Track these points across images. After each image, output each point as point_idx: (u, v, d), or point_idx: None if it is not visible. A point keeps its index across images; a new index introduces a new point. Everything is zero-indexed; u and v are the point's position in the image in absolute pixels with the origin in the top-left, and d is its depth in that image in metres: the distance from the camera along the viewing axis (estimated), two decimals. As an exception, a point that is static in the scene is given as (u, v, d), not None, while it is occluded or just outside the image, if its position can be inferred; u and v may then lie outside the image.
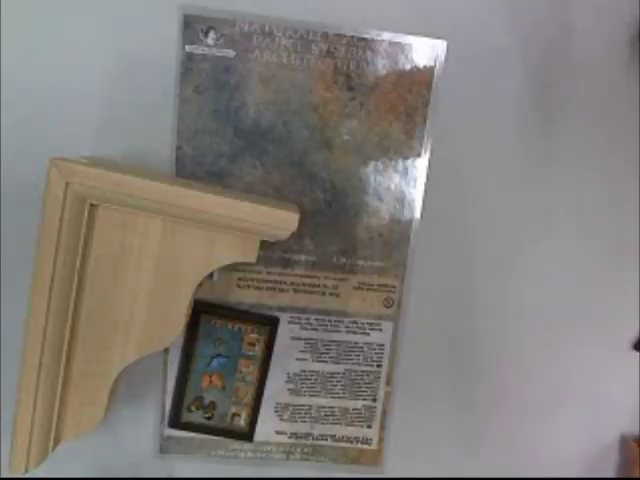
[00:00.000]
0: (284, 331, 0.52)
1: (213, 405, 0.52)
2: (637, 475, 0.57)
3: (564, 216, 0.52)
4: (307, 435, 0.54)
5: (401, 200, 0.50)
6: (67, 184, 0.39)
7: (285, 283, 0.51)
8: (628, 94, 0.50)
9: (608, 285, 0.54)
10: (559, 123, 0.50)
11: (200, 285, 0.48)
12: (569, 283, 0.54)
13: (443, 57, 0.48)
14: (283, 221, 0.41)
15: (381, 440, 0.54)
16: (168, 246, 0.42)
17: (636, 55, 0.49)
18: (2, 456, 0.44)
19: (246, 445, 0.54)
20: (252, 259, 0.43)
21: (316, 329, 0.52)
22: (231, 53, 0.47)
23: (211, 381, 0.52)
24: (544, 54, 0.49)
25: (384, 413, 0.54)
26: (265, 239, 0.43)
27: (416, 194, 0.50)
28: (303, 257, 0.51)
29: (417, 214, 0.51)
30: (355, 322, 0.52)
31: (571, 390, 0.56)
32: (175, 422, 0.53)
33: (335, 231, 0.50)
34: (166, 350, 0.51)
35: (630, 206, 0.53)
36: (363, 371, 0.53)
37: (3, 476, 0.47)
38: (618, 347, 0.55)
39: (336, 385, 0.53)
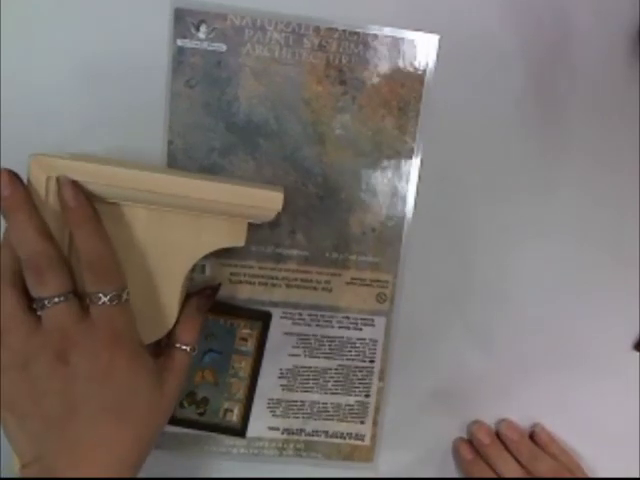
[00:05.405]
0: (276, 326, 0.51)
1: (206, 401, 0.52)
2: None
3: (563, 214, 0.52)
4: (300, 431, 0.54)
5: (394, 195, 0.50)
6: (48, 178, 0.39)
7: (277, 278, 0.51)
8: (628, 94, 0.50)
9: (608, 285, 0.53)
10: (557, 120, 0.50)
11: (192, 281, 0.48)
12: (568, 282, 0.53)
13: (436, 51, 0.48)
14: (268, 200, 0.41)
15: (374, 436, 0.54)
16: (154, 235, 0.42)
17: (636, 55, 0.49)
18: (2, 456, 0.44)
19: (239, 441, 0.53)
20: (241, 243, 0.43)
21: (309, 324, 0.52)
22: (223, 47, 0.47)
23: (203, 377, 0.52)
24: (541, 51, 0.49)
25: (377, 409, 0.54)
26: (251, 221, 0.43)
27: (409, 189, 0.50)
28: (295, 252, 0.50)
29: (410, 209, 0.51)
30: (348, 317, 0.52)
31: (571, 390, 0.55)
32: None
33: (328, 226, 0.50)
34: (158, 345, 0.52)
35: (631, 206, 0.52)
36: (356, 367, 0.53)
37: (3, 476, 0.47)
38: (618, 347, 0.55)
39: (329, 381, 0.53)
